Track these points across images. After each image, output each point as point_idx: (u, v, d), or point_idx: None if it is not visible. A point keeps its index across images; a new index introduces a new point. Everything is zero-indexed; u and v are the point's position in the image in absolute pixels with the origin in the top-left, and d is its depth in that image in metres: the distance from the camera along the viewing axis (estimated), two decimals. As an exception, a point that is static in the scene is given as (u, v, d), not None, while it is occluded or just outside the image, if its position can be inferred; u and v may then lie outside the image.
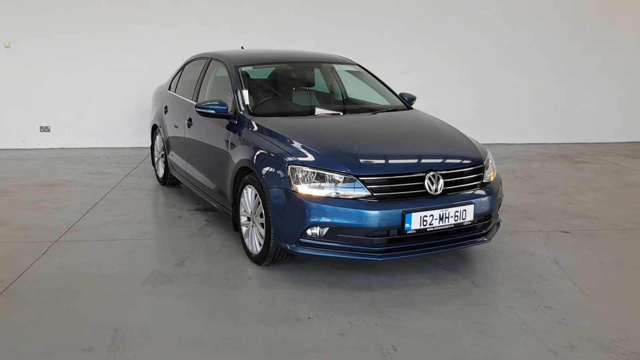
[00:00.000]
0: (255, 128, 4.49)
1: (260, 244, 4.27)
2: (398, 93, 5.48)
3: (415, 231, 3.84)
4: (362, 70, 5.69)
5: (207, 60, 5.74)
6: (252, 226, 4.37)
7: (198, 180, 5.42)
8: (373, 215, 3.75)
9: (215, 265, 4.37)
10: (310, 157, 3.98)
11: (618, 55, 9.84)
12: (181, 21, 8.84)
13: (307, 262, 4.35)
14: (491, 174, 4.33)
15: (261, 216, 4.21)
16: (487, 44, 9.53)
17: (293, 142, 4.16)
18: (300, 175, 3.89)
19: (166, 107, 6.31)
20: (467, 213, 3.99)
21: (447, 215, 3.91)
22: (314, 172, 3.88)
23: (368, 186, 3.81)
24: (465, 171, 4.13)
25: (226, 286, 4.00)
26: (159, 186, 6.69)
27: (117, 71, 8.85)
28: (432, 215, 3.86)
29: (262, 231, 4.20)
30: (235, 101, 4.83)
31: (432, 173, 3.95)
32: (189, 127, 5.52)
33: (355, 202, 3.78)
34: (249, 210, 4.39)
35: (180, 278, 4.12)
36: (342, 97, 5.62)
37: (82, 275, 4.16)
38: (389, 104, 5.31)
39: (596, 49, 9.76)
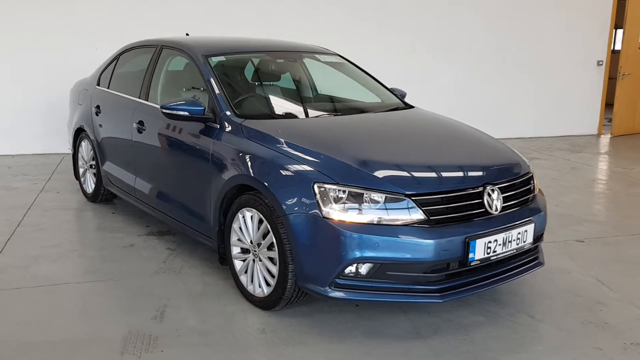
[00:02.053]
0: (250, 134, 3.50)
1: (268, 284, 3.32)
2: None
3: (479, 262, 3.07)
4: (345, 62, 4.83)
5: (156, 49, 4.62)
6: (254, 261, 3.40)
7: (155, 198, 4.32)
8: (433, 245, 2.92)
9: (206, 314, 3.35)
10: (343, 172, 3.08)
11: (547, 50, 9.70)
12: (94, 4, 7.46)
13: (319, 301, 3.45)
14: (536, 183, 3.66)
15: (269, 249, 3.26)
16: (424, 37, 8.99)
17: (312, 153, 3.23)
18: (332, 196, 2.98)
19: (98, 107, 5.09)
20: (527, 234, 3.29)
21: (510, 239, 3.18)
22: (351, 192, 2.99)
23: (423, 207, 2.98)
24: (518, 183, 3.42)
25: (235, 347, 3.01)
26: (88, 203, 5.44)
27: (8, 63, 7.31)
28: (496, 241, 3.11)
29: (272, 267, 3.25)
30: (213, 100, 3.81)
31: (490, 187, 3.20)
32: (139, 132, 4.38)
33: (409, 229, 2.94)
34: (248, 241, 3.41)
35: (169, 338, 3.07)
36: (322, 94, 4.73)
37: (24, 346, 2.99)
38: (381, 100, 4.51)
39: (527, 43, 9.56)
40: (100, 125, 5.04)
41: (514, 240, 3.21)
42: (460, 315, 3.37)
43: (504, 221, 3.18)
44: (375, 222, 2.95)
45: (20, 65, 7.33)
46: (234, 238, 3.53)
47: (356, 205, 2.97)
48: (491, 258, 3.12)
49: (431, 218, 2.98)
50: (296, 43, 4.91)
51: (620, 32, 10.23)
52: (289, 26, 8.00)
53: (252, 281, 3.43)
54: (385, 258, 2.92)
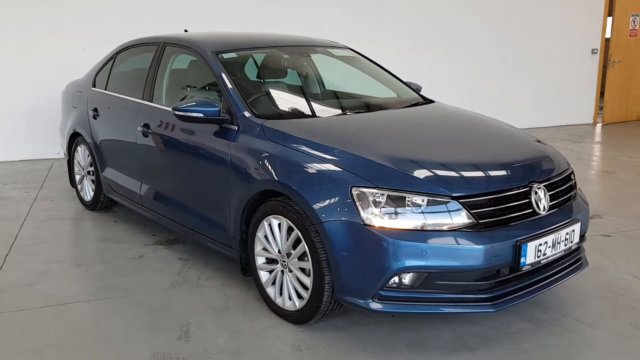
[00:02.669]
0: (275, 136, 3.26)
1: (299, 297, 3.08)
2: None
3: (530, 266, 2.87)
4: (357, 55, 4.59)
5: (158, 47, 4.33)
6: (283, 272, 3.16)
7: (164, 206, 4.05)
8: (485, 251, 2.71)
9: (234, 331, 3.11)
10: (381, 174, 2.85)
11: (543, 40, 9.57)
12: (80, 6, 7.10)
13: (353, 312, 3.23)
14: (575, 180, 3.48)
15: (301, 259, 3.02)
16: (420, 32, 8.78)
17: (346, 154, 3.00)
18: (372, 201, 2.75)
19: (96, 110, 4.79)
20: (575, 234, 3.11)
21: (559, 240, 2.99)
22: (391, 196, 2.76)
23: (472, 210, 2.77)
24: (561, 180, 3.23)
25: (273, 367, 2.78)
26: (87, 212, 5.14)
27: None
28: (546, 243, 2.92)
29: (304, 279, 3.01)
30: (228, 100, 3.55)
31: (536, 185, 3.00)
32: (144, 135, 4.11)
33: (459, 235, 2.72)
34: (275, 250, 3.17)
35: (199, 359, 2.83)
36: (331, 88, 4.49)
37: (41, 375, 2.72)
38: (397, 95, 4.28)
39: (523, 34, 9.42)
40: (99, 130, 4.75)
41: (563, 241, 3.02)
42: (505, 323, 3.17)
43: (553, 221, 2.99)
44: (419, 228, 2.73)
45: (2, 69, 6.96)
46: (258, 247, 3.28)
47: (398, 210, 2.75)
48: (541, 261, 2.92)
49: (480, 221, 2.77)
50: (304, 37, 4.65)
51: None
52: (288, 25, 7.72)
53: (281, 294, 3.19)
54: (434, 267, 2.70)
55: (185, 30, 4.98)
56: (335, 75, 4.49)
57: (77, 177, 5.28)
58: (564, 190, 3.22)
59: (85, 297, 3.51)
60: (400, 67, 8.36)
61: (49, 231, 4.64)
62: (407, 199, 2.77)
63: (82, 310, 3.36)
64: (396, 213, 2.75)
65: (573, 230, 3.08)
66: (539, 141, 3.59)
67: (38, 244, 4.37)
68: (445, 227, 2.74)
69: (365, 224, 2.74)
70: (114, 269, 3.92)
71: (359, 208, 2.76)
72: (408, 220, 2.74)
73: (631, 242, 4.42)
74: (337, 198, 2.82)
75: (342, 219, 2.79)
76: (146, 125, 4.09)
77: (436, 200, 2.76)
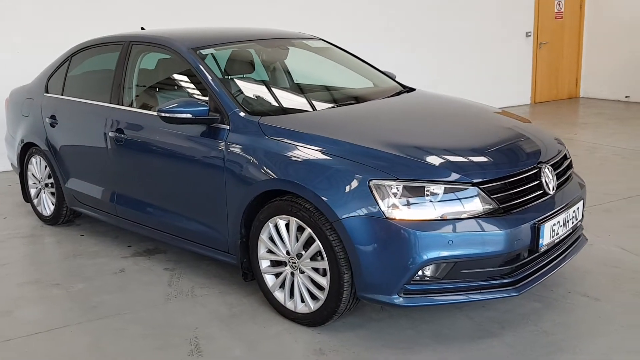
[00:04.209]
0: (274, 132, 3.11)
1: (314, 298, 2.96)
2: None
3: (546, 246, 2.88)
4: (332, 46, 4.49)
5: (124, 47, 4.06)
6: (293, 274, 3.03)
7: (144, 215, 3.81)
8: (507, 236, 2.70)
9: (248, 340, 2.95)
10: (397, 165, 2.77)
11: (481, 25, 9.80)
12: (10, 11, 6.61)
13: (365, 308, 3.15)
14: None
15: (312, 259, 2.91)
16: (362, 18, 8.77)
17: (356, 147, 2.90)
18: (392, 193, 2.67)
19: (53, 117, 4.45)
20: (579, 211, 3.16)
21: (568, 218, 3.02)
22: (411, 187, 2.69)
23: (492, 195, 2.74)
24: (560, 160, 3.26)
25: (301, 375, 2.66)
26: (46, 227, 4.78)
27: None
28: (559, 222, 2.94)
29: (320, 279, 2.90)
30: (215, 99, 3.36)
31: (544, 166, 3.01)
32: (117, 141, 3.85)
33: (482, 221, 2.69)
34: (283, 252, 3.04)
35: (220, 375, 2.67)
36: (312, 81, 4.38)
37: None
38: (375, 84, 4.22)
39: (458, 21, 9.60)
40: (59, 138, 4.41)
41: (571, 219, 3.06)
42: (516, 305, 3.17)
43: (561, 200, 3.02)
44: (441, 217, 2.68)
45: None
46: (262, 250, 3.14)
47: (419, 200, 2.69)
48: (555, 241, 2.94)
49: (501, 206, 2.74)
50: (279, 30, 4.49)
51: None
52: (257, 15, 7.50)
53: (291, 297, 3.06)
54: (460, 256, 2.66)
55: (142, 28, 4.70)
56: (313, 67, 4.37)
57: (33, 191, 4.90)
58: (565, 170, 3.26)
59: (76, 320, 3.24)
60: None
61: (11, 252, 4.28)
62: (425, 188, 2.70)
63: (77, 334, 3.10)
64: (416, 203, 2.68)
65: (578, 208, 3.13)
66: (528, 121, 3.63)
67: (2, 266, 4.01)
68: (466, 215, 2.70)
69: (387, 218, 2.65)
70: (98, 287, 3.65)
71: (379, 201, 2.67)
72: (429, 210, 2.68)
73: (607, 215, 4.57)
74: (354, 192, 2.72)
75: (362, 213, 2.69)
76: (119, 131, 3.83)
77: (455, 187, 2.72)
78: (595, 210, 4.66)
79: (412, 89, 4.15)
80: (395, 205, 2.66)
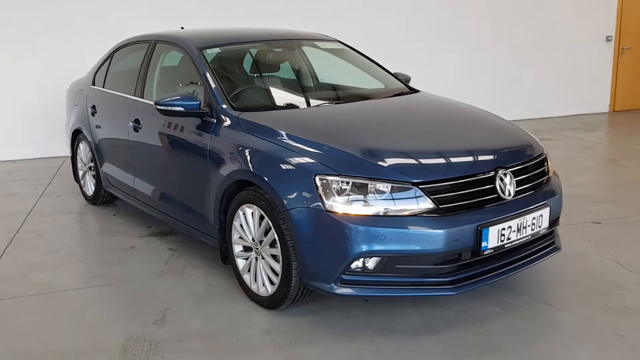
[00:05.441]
0: (248, 127, 3.36)
1: (271, 283, 3.17)
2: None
3: (492, 250, 2.91)
4: (346, 47, 4.65)
5: (150, 45, 4.47)
6: (257, 259, 3.26)
7: (154, 199, 4.19)
8: (444, 235, 2.77)
9: (210, 316, 3.22)
10: (344, 162, 2.92)
11: (556, 28, 9.46)
12: (86, 5, 7.31)
13: (327, 298, 3.30)
14: (551, 165, 3.49)
15: (272, 246, 3.11)
16: (427, 18, 8.76)
17: (312, 143, 3.08)
18: (335, 188, 2.83)
19: (94, 107, 4.95)
20: (543, 219, 3.13)
21: (524, 225, 3.02)
22: (355, 183, 2.83)
23: (432, 196, 2.82)
24: (532, 166, 3.25)
25: (240, 351, 2.88)
26: (89, 206, 5.32)
27: (8, 67, 7.19)
28: (510, 227, 2.95)
29: (275, 265, 3.10)
30: (208, 94, 3.66)
31: (502, 171, 3.03)
32: (135, 131, 4.25)
33: (418, 220, 2.78)
34: (249, 238, 3.27)
35: (171, 344, 2.95)
36: (316, 80, 4.56)
37: (20, 357, 2.87)
38: (384, 86, 4.33)
39: (535, 22, 9.32)
40: (97, 126, 4.91)
41: (529, 225, 3.04)
42: (475, 307, 3.21)
43: (518, 206, 3.02)
44: (381, 214, 2.80)
45: (17, 70, 7.21)
46: (235, 236, 3.39)
47: (361, 197, 2.82)
48: (505, 246, 2.96)
49: (441, 207, 2.82)
50: (294, 31, 4.73)
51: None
52: (293, 18, 7.81)
53: (255, 280, 3.29)
54: (393, 251, 2.77)
55: (182, 28, 5.09)
56: (321, 68, 4.55)
57: (80, 173, 5.46)
58: (535, 176, 3.24)
59: (74, 286, 3.67)
60: (406, 54, 8.47)
61: (50, 225, 4.82)
62: (369, 186, 2.83)
63: (70, 298, 3.51)
64: (358, 200, 2.82)
65: (541, 215, 3.10)
66: (518, 129, 3.61)
67: (38, 237, 4.55)
68: (406, 213, 2.80)
69: (327, 211, 2.81)
70: (105, 259, 4.07)
71: (322, 195, 2.83)
72: (369, 207, 2.81)
73: (621, 229, 4.40)
74: (302, 186, 2.90)
75: (307, 206, 2.87)
76: (137, 121, 4.23)
77: (398, 187, 2.82)
78: (612, 223, 4.50)
79: (416, 91, 4.23)
80: (336, 200, 2.81)
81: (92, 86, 5.16)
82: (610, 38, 9.87)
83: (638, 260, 3.79)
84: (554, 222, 3.32)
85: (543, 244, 3.27)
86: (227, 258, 3.54)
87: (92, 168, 5.19)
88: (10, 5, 7.08)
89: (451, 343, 2.87)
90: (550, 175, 3.41)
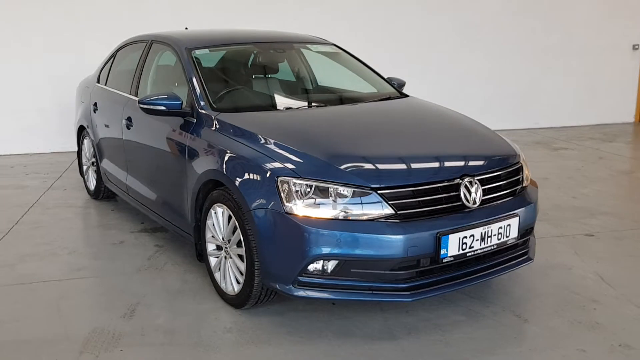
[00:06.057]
0: (222, 127, 3.41)
1: (238, 282, 3.22)
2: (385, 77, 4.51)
3: (452, 258, 2.89)
4: (340, 51, 4.67)
5: (147, 44, 4.57)
6: (226, 258, 3.30)
7: (143, 195, 4.28)
8: (400, 241, 2.76)
9: (177, 312, 3.28)
10: (307, 165, 2.94)
11: (580, 35, 9.27)
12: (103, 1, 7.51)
13: (294, 299, 3.32)
14: (527, 174, 3.44)
15: (239, 245, 3.15)
16: (446, 24, 8.69)
17: (279, 146, 3.11)
18: (295, 191, 2.85)
19: (95, 104, 5.09)
20: (511, 229, 3.08)
21: (489, 234, 2.98)
22: (314, 186, 2.85)
23: (390, 201, 2.82)
24: (503, 174, 3.21)
25: (198, 347, 2.93)
26: (91, 201, 5.46)
27: (27, 63, 7.44)
28: (473, 236, 2.92)
29: (241, 265, 3.14)
30: (191, 94, 3.72)
31: (467, 179, 3.00)
32: (127, 128, 4.35)
33: (375, 225, 2.79)
34: (220, 237, 3.32)
35: (133, 337, 3.01)
36: (314, 84, 4.59)
37: (-8, 344, 2.98)
38: (376, 90, 4.33)
39: (559, 29, 9.14)
40: (97, 123, 5.04)
41: (495, 235, 3.01)
42: (440, 315, 3.19)
43: (483, 215, 2.99)
44: (340, 218, 2.81)
45: (36, 67, 7.45)
46: (208, 235, 3.44)
47: (321, 200, 2.84)
48: (467, 254, 2.93)
49: (399, 212, 2.81)
50: (290, 33, 4.78)
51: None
52: (298, 15, 7.86)
53: (224, 278, 3.34)
54: (349, 255, 2.77)
55: (186, 28, 5.19)
56: (313, 70, 4.58)
57: (84, 168, 5.61)
58: (506, 185, 3.20)
59: (57, 277, 3.78)
60: (427, 60, 8.43)
61: (50, 218, 4.97)
62: (330, 189, 2.85)
63: (50, 289, 3.61)
64: (318, 203, 2.83)
65: (509, 225, 3.06)
66: (496, 137, 3.56)
67: (35, 228, 4.69)
68: (364, 217, 2.81)
69: (286, 212, 2.84)
70: (93, 253, 4.18)
71: (283, 197, 2.86)
72: (329, 210, 2.82)
73: (614, 242, 4.29)
74: (265, 187, 2.93)
75: (268, 207, 2.90)
76: (129, 119, 4.33)
77: (358, 191, 2.83)
78: (605, 236, 4.40)
79: (405, 96, 4.22)
80: (296, 202, 2.84)
81: (97, 84, 5.30)
82: (637, 47, 9.61)
83: (621, 275, 3.70)
84: (527, 232, 3.27)
85: (513, 253, 3.22)
86: (202, 256, 3.59)
87: (94, 164, 5.32)
88: (28, 3, 7.31)
89: (408, 350, 2.86)
90: (525, 184, 3.35)
